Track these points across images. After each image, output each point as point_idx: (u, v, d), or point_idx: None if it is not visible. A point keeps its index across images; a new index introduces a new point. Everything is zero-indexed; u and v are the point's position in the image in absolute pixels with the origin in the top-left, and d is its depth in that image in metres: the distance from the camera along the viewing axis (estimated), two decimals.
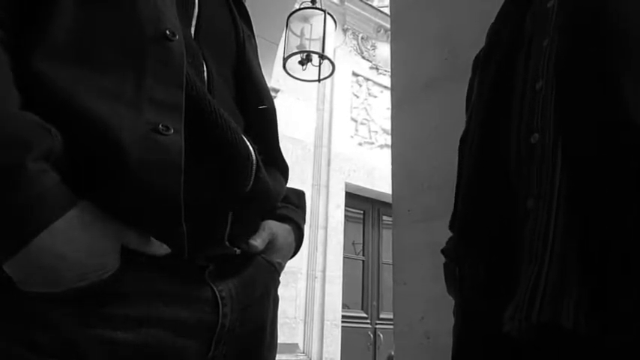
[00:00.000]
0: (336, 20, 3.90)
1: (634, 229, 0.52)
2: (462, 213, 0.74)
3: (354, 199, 5.99)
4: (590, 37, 0.59)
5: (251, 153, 0.59)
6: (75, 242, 0.46)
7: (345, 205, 5.78)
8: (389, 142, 1.71)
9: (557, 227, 0.58)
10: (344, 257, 5.60)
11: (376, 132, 6.13)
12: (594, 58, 0.58)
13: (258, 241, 0.65)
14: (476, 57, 0.88)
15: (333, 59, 3.63)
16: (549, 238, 0.58)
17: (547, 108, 0.62)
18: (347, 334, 5.45)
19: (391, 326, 1.53)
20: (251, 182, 0.59)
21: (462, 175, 0.78)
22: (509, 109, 0.68)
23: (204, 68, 0.62)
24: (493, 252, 0.66)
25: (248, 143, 0.60)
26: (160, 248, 0.52)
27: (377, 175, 5.90)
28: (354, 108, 6.15)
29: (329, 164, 5.70)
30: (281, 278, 0.72)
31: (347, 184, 5.82)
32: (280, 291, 0.72)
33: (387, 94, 2.10)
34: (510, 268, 0.62)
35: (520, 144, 0.65)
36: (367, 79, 6.32)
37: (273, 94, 3.53)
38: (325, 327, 5.24)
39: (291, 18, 3.68)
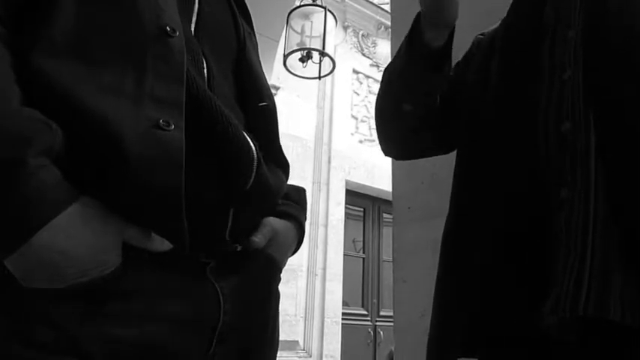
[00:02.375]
0: (337, 17, 3.90)
1: None
2: (486, 200, 0.70)
3: (355, 196, 6.00)
4: (617, 26, 0.59)
5: (252, 149, 0.59)
6: (76, 238, 0.46)
7: (346, 203, 5.78)
8: None
9: (597, 217, 0.56)
10: (344, 255, 5.61)
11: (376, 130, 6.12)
12: (622, 47, 0.58)
13: (259, 238, 0.65)
14: (477, 39, 0.87)
15: (333, 56, 3.63)
16: (589, 228, 0.56)
17: (577, 97, 0.62)
18: (347, 332, 5.46)
19: (391, 323, 1.53)
20: (252, 179, 0.59)
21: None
22: (535, 100, 0.67)
23: (204, 65, 0.62)
24: (521, 243, 0.63)
25: (249, 140, 0.60)
26: (162, 244, 0.52)
27: (377, 172, 5.90)
28: (355, 105, 6.15)
29: (329, 162, 5.70)
30: (281, 275, 0.72)
31: (347, 182, 5.82)
32: (280, 288, 0.72)
33: None
34: (541, 258, 0.60)
35: (549, 133, 0.65)
36: (368, 77, 6.32)
37: (273, 91, 3.52)
38: (325, 324, 5.25)
39: (291, 15, 3.68)
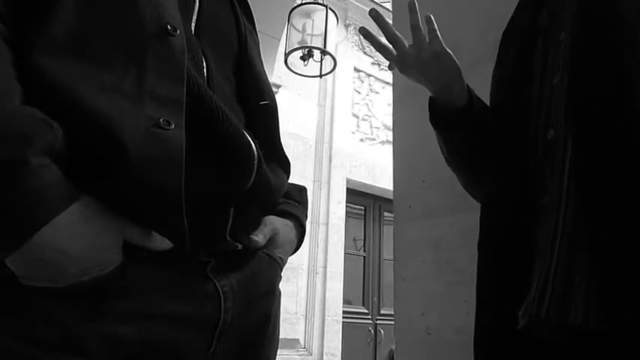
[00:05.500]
0: (338, 16, 3.89)
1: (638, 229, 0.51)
2: (484, 209, 0.73)
3: (356, 195, 6.00)
4: (603, 30, 0.59)
5: (252, 148, 0.59)
6: (77, 237, 0.46)
7: (347, 202, 5.78)
8: (390, 138, 1.70)
9: (565, 225, 0.57)
10: (345, 253, 5.61)
11: (378, 128, 6.13)
12: (607, 52, 0.58)
13: (259, 237, 0.65)
14: (503, 34, 0.86)
15: (334, 55, 3.62)
16: (557, 235, 0.58)
17: (562, 104, 0.62)
18: (348, 330, 5.46)
19: (392, 322, 1.53)
20: (253, 178, 0.59)
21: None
22: (527, 105, 0.68)
23: (204, 64, 0.62)
24: (510, 249, 0.65)
25: (249, 139, 0.60)
26: (162, 243, 0.52)
27: (378, 171, 5.89)
28: (356, 104, 6.14)
29: (330, 160, 5.70)
30: (282, 274, 0.73)
31: (348, 180, 5.82)
32: (281, 287, 0.72)
33: (389, 90, 2.10)
34: (524, 264, 0.62)
35: (538, 140, 0.65)
36: (369, 75, 6.31)
37: (274, 89, 3.52)
38: (326, 322, 5.25)
39: (292, 13, 3.67)
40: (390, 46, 0.80)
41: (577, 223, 0.56)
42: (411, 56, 0.78)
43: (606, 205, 0.54)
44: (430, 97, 0.82)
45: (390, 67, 0.83)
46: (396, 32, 0.80)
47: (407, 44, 0.79)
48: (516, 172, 0.67)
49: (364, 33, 0.82)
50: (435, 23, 0.78)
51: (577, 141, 0.57)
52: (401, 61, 0.80)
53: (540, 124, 0.65)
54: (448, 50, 0.78)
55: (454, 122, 0.79)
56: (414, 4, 0.78)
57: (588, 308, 0.53)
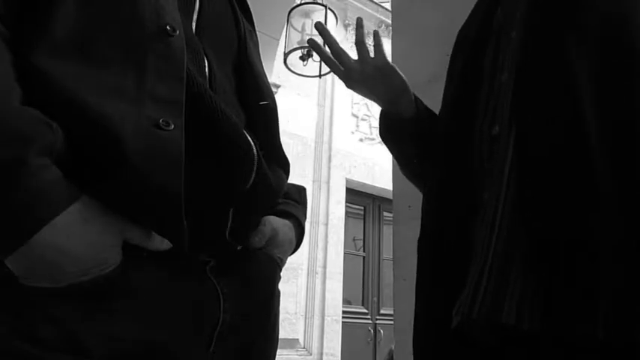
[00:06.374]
0: (337, 16, 3.89)
1: (577, 226, 0.51)
2: (424, 206, 0.72)
3: (355, 195, 6.00)
4: (552, 28, 0.58)
5: (252, 149, 0.60)
6: (76, 237, 0.46)
7: (346, 201, 5.78)
8: None
9: (503, 220, 0.56)
10: (344, 253, 5.61)
11: (377, 128, 6.12)
12: (555, 50, 0.57)
13: (259, 237, 0.65)
14: (459, 31, 0.87)
15: None
16: (495, 231, 0.57)
17: (507, 100, 0.61)
18: (347, 330, 5.46)
19: (391, 322, 1.53)
20: (252, 178, 0.59)
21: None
22: (476, 102, 0.67)
23: (206, 63, 0.62)
24: (449, 246, 0.64)
25: (249, 139, 0.60)
26: (162, 243, 0.52)
27: (378, 171, 5.90)
28: (355, 104, 6.15)
29: (330, 160, 5.70)
30: (282, 274, 0.73)
31: (348, 180, 5.82)
32: (281, 287, 0.72)
33: None
34: (462, 261, 0.61)
35: (483, 136, 0.65)
36: None
37: (273, 89, 3.51)
38: (326, 322, 5.26)
39: (292, 13, 3.67)
40: (336, 61, 0.82)
41: (514, 219, 0.55)
42: (355, 71, 0.81)
43: (544, 202, 0.53)
44: (381, 112, 0.85)
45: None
46: (341, 47, 0.82)
47: (352, 60, 0.82)
48: (459, 169, 0.66)
49: (312, 44, 0.84)
50: (380, 39, 0.82)
51: (519, 137, 0.57)
52: (346, 75, 0.82)
53: (487, 121, 0.65)
54: (392, 64, 0.80)
55: (402, 134, 0.82)
56: (362, 20, 0.82)
57: (522, 307, 0.51)
